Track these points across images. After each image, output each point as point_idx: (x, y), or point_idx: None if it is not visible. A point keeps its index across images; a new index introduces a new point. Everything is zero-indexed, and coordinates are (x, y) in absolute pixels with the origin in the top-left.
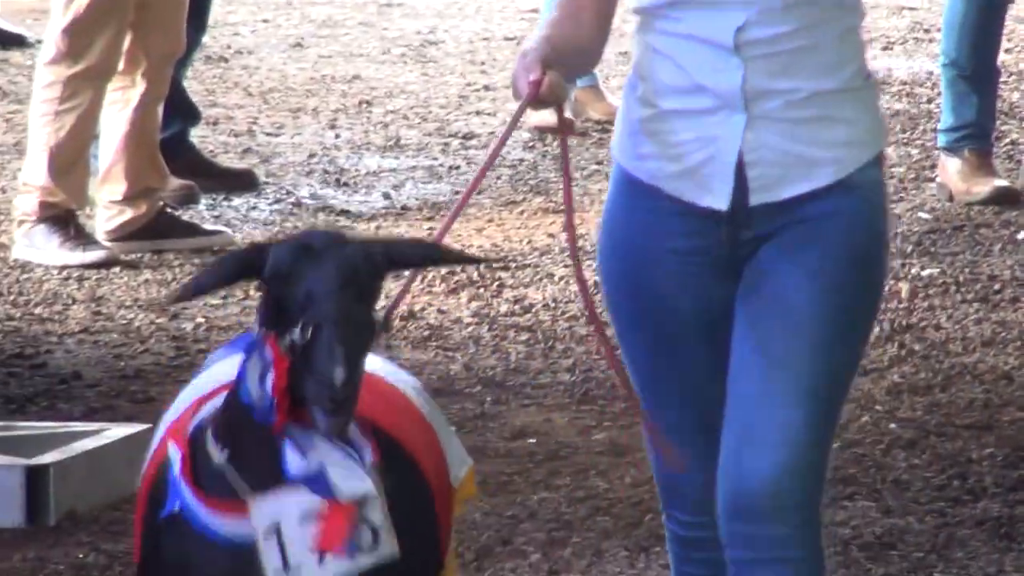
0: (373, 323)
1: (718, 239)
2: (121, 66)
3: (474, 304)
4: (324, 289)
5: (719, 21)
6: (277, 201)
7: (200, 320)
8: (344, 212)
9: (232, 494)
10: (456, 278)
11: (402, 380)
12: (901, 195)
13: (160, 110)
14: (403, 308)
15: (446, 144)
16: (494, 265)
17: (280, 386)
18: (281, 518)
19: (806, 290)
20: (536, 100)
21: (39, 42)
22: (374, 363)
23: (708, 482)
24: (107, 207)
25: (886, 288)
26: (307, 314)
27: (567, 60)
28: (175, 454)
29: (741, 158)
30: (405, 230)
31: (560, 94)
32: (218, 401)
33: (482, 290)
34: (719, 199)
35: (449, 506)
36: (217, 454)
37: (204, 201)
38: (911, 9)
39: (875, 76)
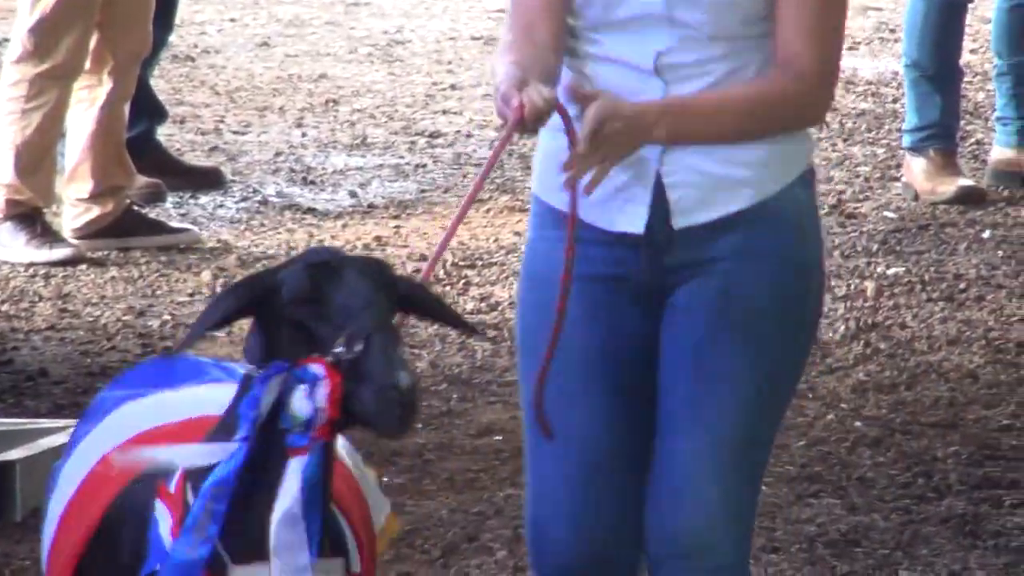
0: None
1: (638, 265)
2: (88, 65)
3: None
4: (362, 300)
5: (640, 45)
6: (244, 199)
7: (167, 317)
8: (311, 210)
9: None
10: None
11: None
12: (867, 194)
13: (127, 109)
14: None
15: (412, 143)
16: (460, 262)
17: (335, 398)
18: None
19: (728, 344)
20: (521, 125)
21: (6, 40)
22: None
23: (573, 543)
24: (74, 205)
25: (854, 288)
26: (350, 327)
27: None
28: (164, 514)
29: (660, 180)
30: (372, 228)
31: (543, 115)
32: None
33: (448, 288)
34: (636, 223)
35: (374, 553)
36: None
37: (171, 199)
38: (876, 9)
39: None
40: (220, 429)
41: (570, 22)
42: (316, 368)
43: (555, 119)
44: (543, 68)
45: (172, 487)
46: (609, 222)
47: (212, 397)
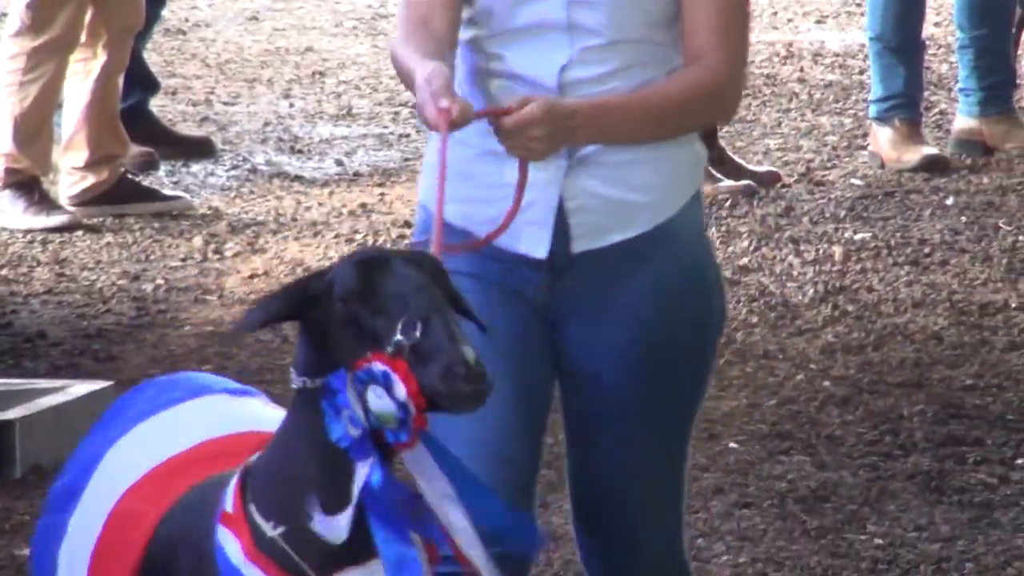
0: None
1: (536, 287)
2: (83, 38)
3: None
4: (415, 285)
5: (542, 59)
6: (234, 167)
7: (160, 281)
8: (298, 178)
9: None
10: (407, 241)
11: None
12: (835, 162)
13: (121, 81)
14: None
15: (396, 113)
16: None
17: (414, 387)
18: None
19: (627, 378)
20: (449, 127)
21: (4, 15)
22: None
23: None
24: (70, 173)
25: (822, 252)
26: (406, 314)
27: None
28: (230, 539)
29: (562, 204)
30: (357, 195)
31: (469, 116)
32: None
33: None
34: (538, 247)
35: None
36: (269, 529)
37: (163, 167)
38: None
39: None
40: (292, 451)
41: (473, 32)
42: (376, 366)
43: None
44: (445, 62)
45: (231, 507)
46: (512, 243)
47: (220, 415)
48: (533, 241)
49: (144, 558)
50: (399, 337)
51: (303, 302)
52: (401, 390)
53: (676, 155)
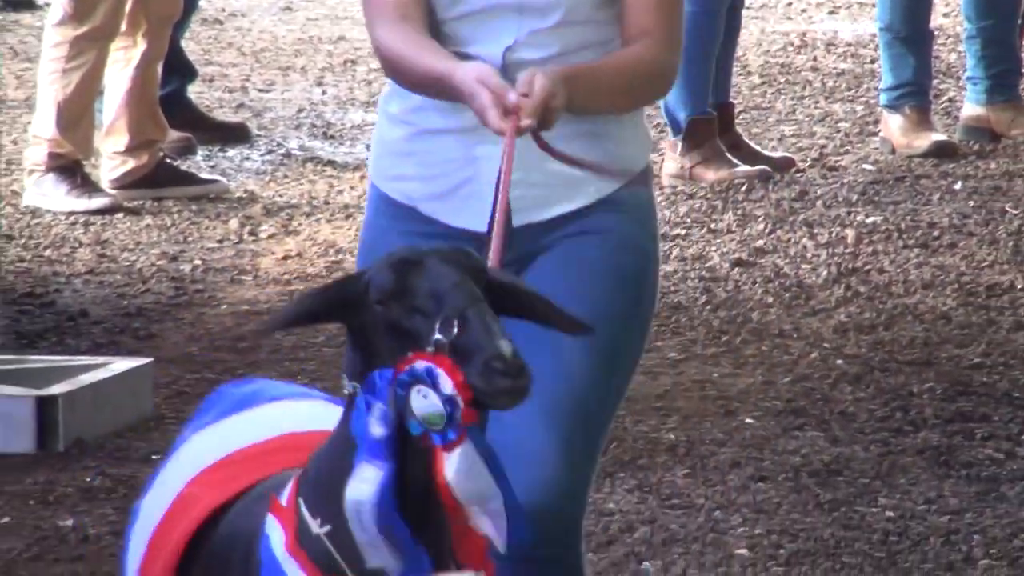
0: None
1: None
2: (123, 28)
3: None
4: (451, 282)
5: (490, 39)
6: (268, 152)
7: (197, 262)
8: (330, 163)
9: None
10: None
11: None
12: (847, 148)
13: (159, 68)
14: None
15: None
16: None
17: (459, 380)
18: None
19: (568, 302)
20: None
21: (48, 5)
22: None
23: None
24: (111, 158)
25: (835, 235)
26: (443, 311)
27: None
28: (276, 530)
29: (501, 179)
30: None
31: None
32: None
33: None
34: (478, 220)
35: None
36: (315, 526)
37: (201, 152)
38: None
39: None
40: (337, 450)
41: (432, 16)
42: (419, 364)
43: (380, 98)
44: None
45: (284, 500)
46: (451, 217)
47: (294, 414)
48: (473, 215)
49: (205, 543)
50: (438, 336)
51: (339, 304)
52: (447, 383)
53: (619, 132)
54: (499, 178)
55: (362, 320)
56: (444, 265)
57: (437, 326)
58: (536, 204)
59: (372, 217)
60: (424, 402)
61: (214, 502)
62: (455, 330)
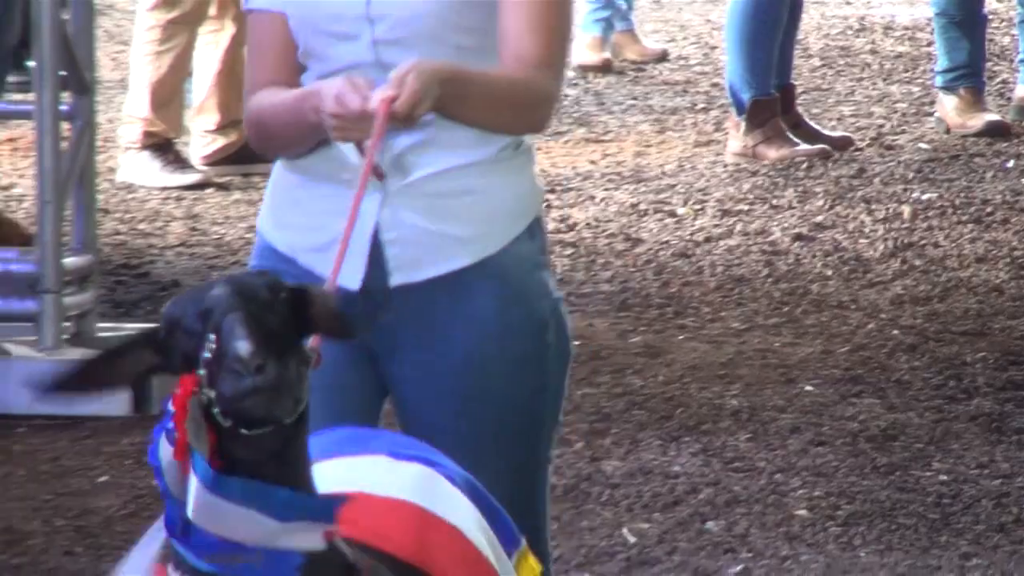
0: (287, 327)
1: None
2: (212, 11)
3: None
4: (218, 296)
5: None
6: None
7: None
8: None
9: None
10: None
11: (448, 509)
12: (904, 128)
13: (247, 50)
14: None
15: None
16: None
17: (180, 398)
18: None
19: (451, 412)
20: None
21: None
22: (445, 505)
23: None
24: (201, 136)
25: (892, 211)
26: (207, 328)
27: None
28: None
29: (378, 236)
30: None
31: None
32: None
33: None
34: (351, 278)
35: None
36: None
37: None
38: None
39: (528, 145)
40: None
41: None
42: (168, 406)
43: None
44: None
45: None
46: (327, 270)
47: (343, 473)
48: (347, 272)
49: None
50: (205, 354)
51: (144, 345)
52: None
53: (502, 187)
54: (376, 233)
55: (169, 359)
56: (221, 286)
57: (205, 344)
58: (411, 263)
59: (256, 260)
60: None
61: None
62: (214, 344)
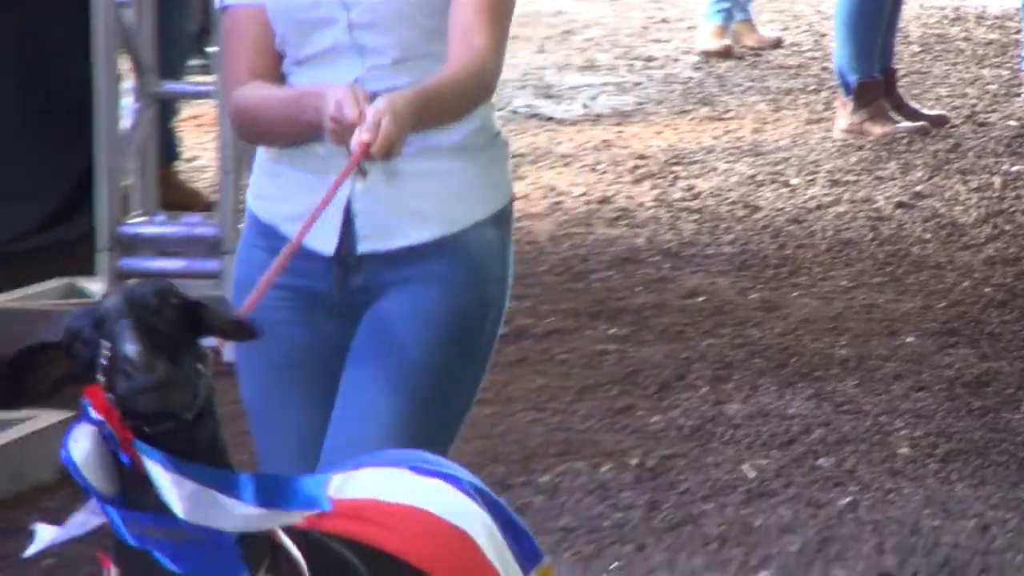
0: (178, 329)
1: (328, 282)
2: None
3: (655, 191)
4: (110, 305)
5: (334, 76)
6: (498, 110)
7: None
8: (551, 119)
9: None
10: (640, 171)
11: (459, 516)
12: (994, 107)
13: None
14: (598, 194)
15: (631, 65)
16: (670, 160)
17: (100, 403)
18: None
19: (405, 347)
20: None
21: None
22: (445, 504)
23: None
24: None
25: (984, 181)
26: (101, 336)
27: None
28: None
29: (350, 205)
30: (599, 133)
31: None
32: None
33: (661, 180)
34: (325, 244)
35: None
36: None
37: None
38: None
39: (502, 137)
40: None
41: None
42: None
43: None
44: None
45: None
46: (306, 239)
47: (427, 490)
48: (322, 239)
49: None
50: (102, 361)
51: (64, 356)
52: (93, 410)
53: (467, 172)
54: (348, 204)
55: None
56: (113, 297)
57: (100, 351)
58: (379, 233)
59: (244, 236)
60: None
61: None
62: (108, 350)
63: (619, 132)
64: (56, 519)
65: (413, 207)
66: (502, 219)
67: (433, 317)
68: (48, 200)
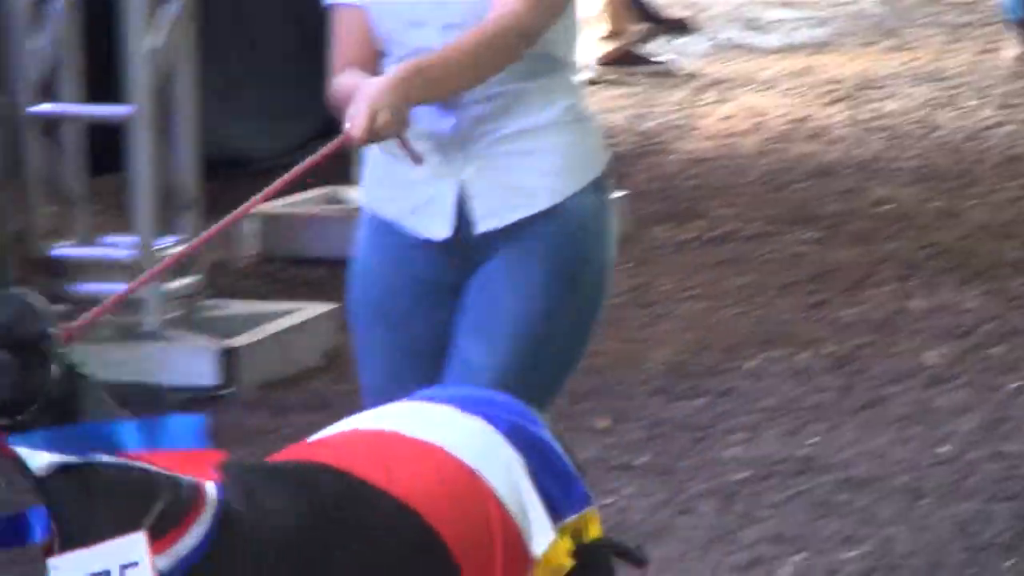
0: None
1: (448, 267)
2: None
3: (846, 112)
4: None
5: None
6: (710, 40)
7: (657, 121)
8: (756, 48)
9: None
10: (833, 94)
11: (477, 455)
12: None
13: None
14: (796, 115)
15: (825, 1)
16: (859, 85)
17: None
18: None
19: (511, 297)
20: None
21: None
22: (446, 435)
23: None
24: (596, 42)
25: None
26: None
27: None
28: None
29: (463, 192)
30: (798, 61)
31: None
32: None
33: (851, 102)
34: (442, 230)
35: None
36: None
37: (659, 40)
38: None
39: (588, 115)
40: None
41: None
42: None
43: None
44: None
45: None
46: (422, 229)
47: (414, 416)
48: (437, 226)
49: None
50: None
51: None
52: None
53: (561, 147)
54: (459, 194)
55: None
56: None
57: None
58: (493, 212)
59: (366, 236)
60: None
61: None
62: None
63: (814, 60)
64: (321, 401)
65: (522, 184)
66: (599, 185)
67: (536, 270)
68: (313, 118)
